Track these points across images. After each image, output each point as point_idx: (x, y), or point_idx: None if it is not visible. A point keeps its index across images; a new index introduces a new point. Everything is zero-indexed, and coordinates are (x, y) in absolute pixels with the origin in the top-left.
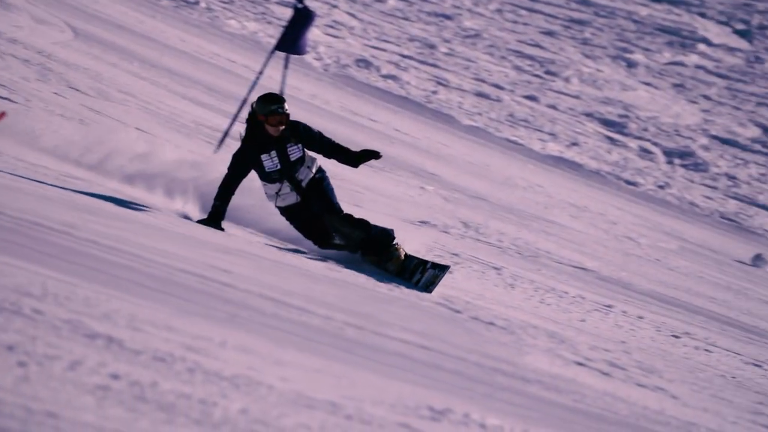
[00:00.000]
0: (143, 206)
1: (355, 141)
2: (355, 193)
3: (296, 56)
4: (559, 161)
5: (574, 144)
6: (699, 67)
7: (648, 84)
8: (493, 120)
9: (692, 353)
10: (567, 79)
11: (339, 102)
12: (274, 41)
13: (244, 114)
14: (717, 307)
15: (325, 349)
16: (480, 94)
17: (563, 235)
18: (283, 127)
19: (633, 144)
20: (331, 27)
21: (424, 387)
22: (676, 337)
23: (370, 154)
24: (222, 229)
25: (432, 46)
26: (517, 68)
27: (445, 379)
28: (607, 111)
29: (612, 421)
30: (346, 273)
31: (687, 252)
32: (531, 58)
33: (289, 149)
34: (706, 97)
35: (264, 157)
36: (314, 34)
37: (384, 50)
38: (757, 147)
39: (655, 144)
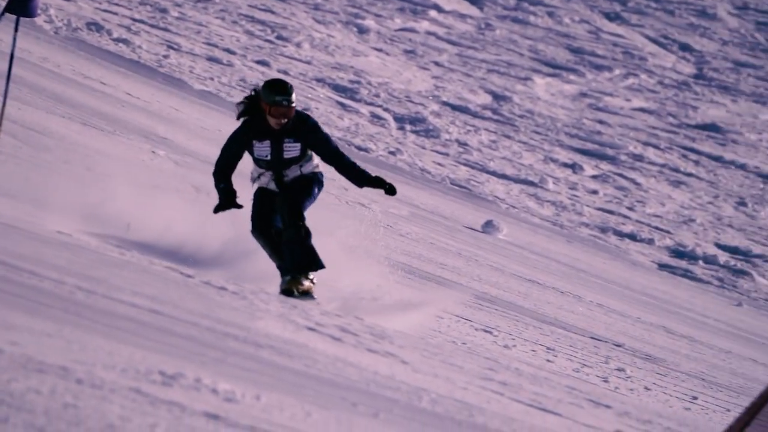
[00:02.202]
0: None
1: (86, 104)
2: (86, 156)
3: (27, 19)
4: None
5: (306, 109)
6: (430, 33)
7: (379, 50)
8: (224, 85)
9: (423, 319)
10: (298, 45)
11: (70, 65)
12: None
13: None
14: (448, 273)
15: (56, 314)
16: (211, 59)
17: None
18: (286, 120)
19: (364, 110)
20: None
21: (155, 352)
22: (408, 303)
23: (383, 185)
24: (240, 206)
25: (163, 10)
26: (249, 33)
27: (176, 344)
28: (338, 77)
29: (343, 386)
30: (76, 237)
31: (418, 218)
32: (262, 23)
33: (285, 144)
34: (437, 64)
35: (256, 143)
36: None
37: (115, 14)
38: (488, 114)
39: (387, 110)
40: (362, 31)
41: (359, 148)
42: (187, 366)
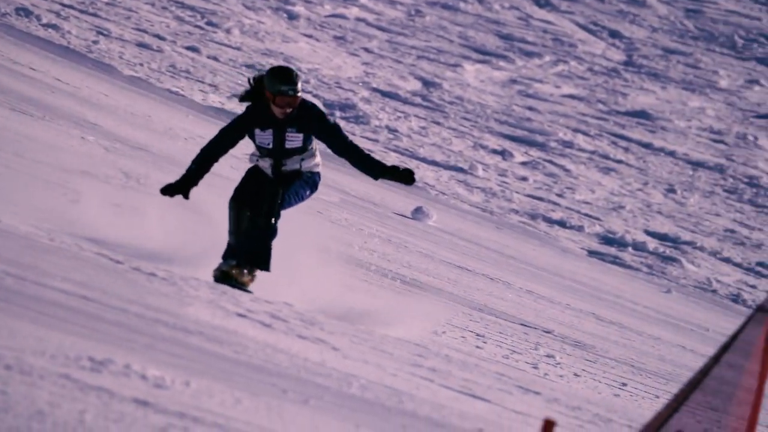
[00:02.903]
0: None
1: (15, 89)
2: (15, 142)
3: None
4: (220, 112)
5: (235, 96)
6: (360, 19)
7: (309, 36)
8: (154, 70)
9: (354, 305)
10: (228, 31)
11: None
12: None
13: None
14: (378, 260)
15: None
16: (141, 45)
17: (227, 186)
18: (291, 110)
19: None
20: None
21: (84, 338)
22: (339, 290)
23: (401, 175)
24: (187, 198)
25: None
26: (179, 19)
27: (106, 330)
28: (268, 62)
29: (273, 372)
30: (5, 223)
31: (348, 204)
32: (192, 9)
33: (288, 134)
34: (367, 50)
35: (258, 131)
36: None
37: None
38: (417, 100)
39: (317, 96)
40: (292, 17)
41: None
42: (117, 352)
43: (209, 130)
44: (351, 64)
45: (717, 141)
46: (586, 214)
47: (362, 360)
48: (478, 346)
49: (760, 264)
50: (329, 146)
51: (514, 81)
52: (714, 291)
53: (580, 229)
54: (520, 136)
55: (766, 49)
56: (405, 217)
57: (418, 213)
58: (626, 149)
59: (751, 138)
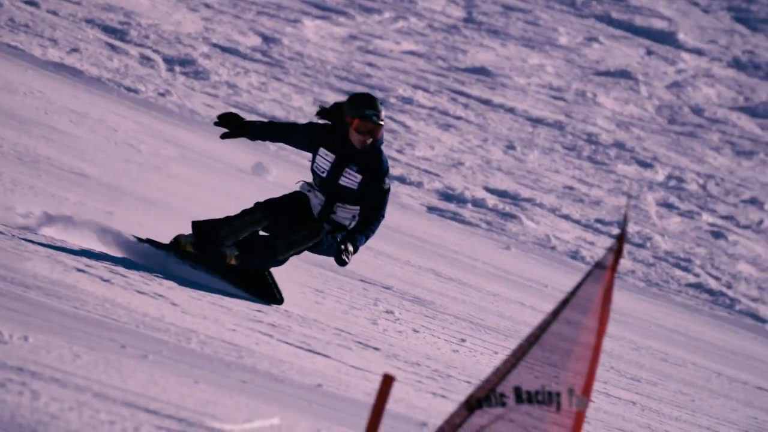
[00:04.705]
0: None
1: None
2: None
3: None
4: (59, 67)
5: (75, 50)
6: None
7: None
8: None
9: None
10: None
11: None
12: None
13: None
14: (217, 215)
15: None
16: None
17: (64, 141)
18: (371, 140)
19: (134, 51)
20: None
21: None
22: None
23: (344, 249)
24: (232, 134)
25: None
26: None
27: None
28: (108, 18)
29: (112, 327)
30: None
31: (188, 160)
32: None
33: (347, 170)
34: (207, 6)
35: (322, 151)
36: None
37: None
38: (257, 56)
39: (156, 51)
40: None
41: (128, 89)
42: None
43: (49, 85)
44: (191, 19)
45: (556, 98)
46: (425, 171)
47: (201, 315)
48: (317, 302)
49: (598, 221)
50: (364, 202)
51: (354, 37)
52: (553, 247)
53: (419, 185)
54: None
55: (604, 7)
56: (245, 172)
57: (258, 169)
58: (466, 106)
59: (590, 95)
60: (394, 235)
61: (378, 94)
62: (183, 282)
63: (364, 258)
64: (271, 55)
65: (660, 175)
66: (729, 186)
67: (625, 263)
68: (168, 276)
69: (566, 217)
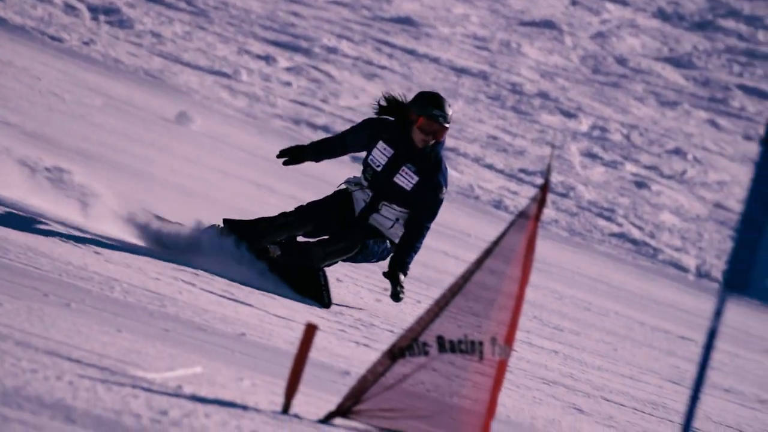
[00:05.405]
0: None
1: None
2: None
3: None
4: None
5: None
6: None
7: None
8: None
9: (115, 209)
10: None
11: None
12: None
13: None
14: (141, 163)
15: None
16: None
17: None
18: (434, 142)
19: (58, 0)
20: None
21: None
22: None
23: (393, 284)
24: (291, 162)
25: None
26: None
27: None
28: None
29: (35, 276)
30: None
31: (111, 109)
32: None
33: (404, 169)
34: None
35: (381, 144)
36: None
37: None
38: (182, 5)
39: (80, 0)
40: None
41: (53, 38)
42: None
43: None
44: None
45: (481, 48)
46: (349, 120)
47: (125, 264)
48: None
49: (522, 170)
50: (411, 210)
51: None
52: (476, 197)
53: None
54: (285, 42)
55: None
56: (169, 121)
57: (181, 117)
58: (390, 55)
59: (514, 45)
60: (317, 184)
61: (302, 44)
62: (106, 230)
63: (288, 207)
64: (195, 4)
65: (584, 125)
66: (653, 136)
67: (548, 213)
68: (90, 223)
69: (490, 167)
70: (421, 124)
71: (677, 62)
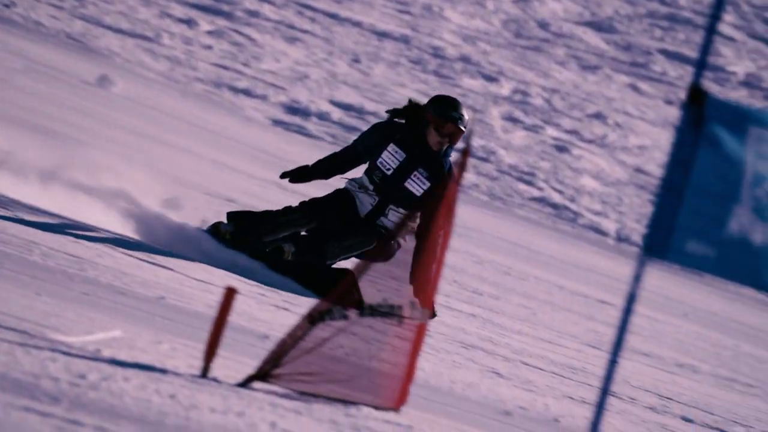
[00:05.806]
0: None
1: None
2: None
3: None
4: None
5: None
6: None
7: None
8: None
9: (36, 166)
10: None
11: None
12: None
13: None
14: (62, 127)
15: None
16: None
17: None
18: (448, 145)
19: None
20: None
21: None
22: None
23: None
24: (300, 179)
25: None
26: None
27: None
28: None
29: None
30: None
31: (33, 72)
32: None
33: (415, 174)
34: None
35: (391, 147)
36: None
37: None
38: None
39: None
40: None
41: None
42: None
43: None
44: None
45: (403, 12)
46: (271, 84)
47: (44, 227)
48: (158, 217)
49: None
50: (420, 214)
51: None
52: None
53: (264, 98)
54: (206, 5)
55: None
56: (90, 84)
57: (103, 81)
58: (312, 19)
59: (436, 9)
60: (239, 147)
61: (224, 8)
62: (24, 192)
63: (208, 171)
64: None
65: (505, 89)
66: (574, 100)
67: (469, 177)
68: (7, 184)
69: None
70: (438, 126)
71: (599, 26)
